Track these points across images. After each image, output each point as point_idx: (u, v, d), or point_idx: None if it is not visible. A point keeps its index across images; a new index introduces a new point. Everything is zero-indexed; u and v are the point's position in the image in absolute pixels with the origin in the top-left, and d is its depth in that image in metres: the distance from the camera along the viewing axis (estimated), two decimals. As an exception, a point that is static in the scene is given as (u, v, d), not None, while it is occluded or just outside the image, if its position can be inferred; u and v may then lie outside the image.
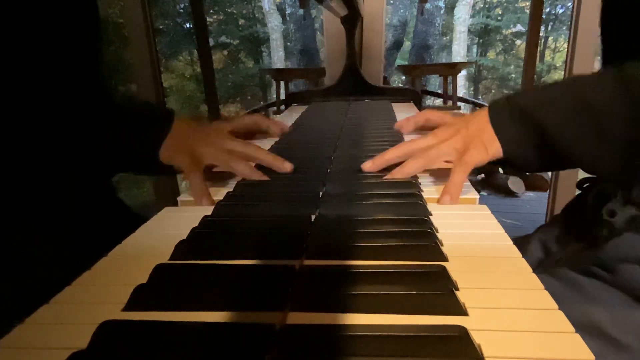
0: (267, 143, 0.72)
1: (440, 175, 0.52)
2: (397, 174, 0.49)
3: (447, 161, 0.49)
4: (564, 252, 0.57)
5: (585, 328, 0.41)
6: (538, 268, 0.53)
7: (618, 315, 0.42)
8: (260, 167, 0.54)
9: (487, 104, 0.50)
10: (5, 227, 0.47)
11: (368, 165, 0.51)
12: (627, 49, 0.57)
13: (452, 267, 0.30)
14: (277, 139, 0.75)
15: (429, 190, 0.48)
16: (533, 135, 0.45)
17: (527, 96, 0.47)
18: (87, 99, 0.55)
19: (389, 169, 0.51)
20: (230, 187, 0.50)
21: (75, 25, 0.53)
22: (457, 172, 0.46)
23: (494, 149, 0.46)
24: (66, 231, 0.51)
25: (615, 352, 0.41)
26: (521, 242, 0.63)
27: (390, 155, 0.51)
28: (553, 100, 0.45)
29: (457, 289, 0.28)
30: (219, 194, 0.49)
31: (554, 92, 0.46)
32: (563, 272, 0.47)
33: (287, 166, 0.53)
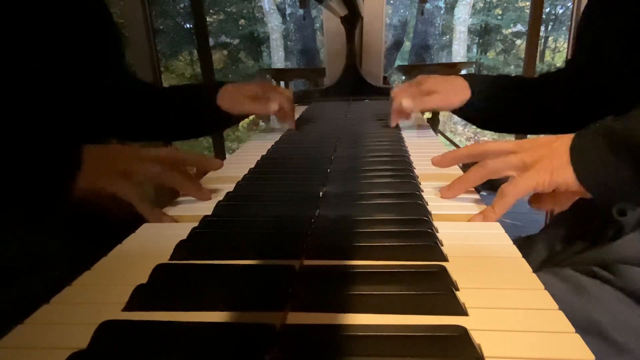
0: (267, 143, 0.72)
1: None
2: (455, 190, 0.46)
3: None
4: (568, 251, 0.57)
5: (587, 329, 0.41)
6: (542, 268, 0.53)
7: (620, 317, 0.42)
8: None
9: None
10: (5, 227, 0.47)
11: (437, 159, 0.49)
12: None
13: (452, 267, 0.30)
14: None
15: (430, 191, 0.48)
16: (614, 160, 0.39)
17: (615, 122, 0.41)
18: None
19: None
20: (230, 187, 0.50)
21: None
22: (506, 195, 0.41)
23: (561, 176, 0.41)
24: (66, 230, 0.51)
25: (616, 354, 0.40)
26: (525, 242, 0.63)
27: (462, 152, 0.48)
28: None
29: (457, 289, 0.28)
30: (220, 194, 0.49)
31: None
32: (566, 273, 0.47)
33: (215, 163, 0.52)
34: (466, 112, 0.74)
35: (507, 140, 0.46)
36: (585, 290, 0.44)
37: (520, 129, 0.93)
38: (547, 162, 0.42)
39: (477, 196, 0.46)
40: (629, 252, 0.46)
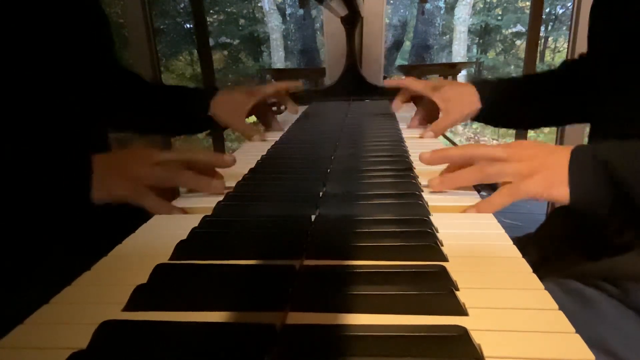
0: (266, 144, 0.72)
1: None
2: (446, 185, 0.46)
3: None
4: (562, 258, 0.57)
5: (593, 344, 0.40)
6: (535, 271, 0.53)
7: (627, 335, 0.41)
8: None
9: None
10: (8, 225, 0.47)
11: (426, 157, 0.47)
12: (612, 51, 0.58)
13: (452, 267, 0.30)
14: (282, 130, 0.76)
15: (430, 192, 0.48)
16: (611, 192, 0.42)
17: (615, 150, 0.43)
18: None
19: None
20: (230, 187, 0.50)
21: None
22: (503, 194, 0.42)
23: (558, 193, 0.43)
24: (68, 230, 0.51)
25: None
26: (517, 244, 0.63)
27: (453, 152, 0.47)
28: None
29: (457, 289, 0.28)
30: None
31: None
32: (570, 284, 0.45)
33: (227, 159, 0.50)
34: (477, 118, 0.79)
35: (498, 146, 0.47)
36: (591, 305, 0.43)
37: (530, 125, 1.04)
38: (547, 175, 0.43)
39: (477, 197, 0.46)
40: (634, 269, 0.45)
